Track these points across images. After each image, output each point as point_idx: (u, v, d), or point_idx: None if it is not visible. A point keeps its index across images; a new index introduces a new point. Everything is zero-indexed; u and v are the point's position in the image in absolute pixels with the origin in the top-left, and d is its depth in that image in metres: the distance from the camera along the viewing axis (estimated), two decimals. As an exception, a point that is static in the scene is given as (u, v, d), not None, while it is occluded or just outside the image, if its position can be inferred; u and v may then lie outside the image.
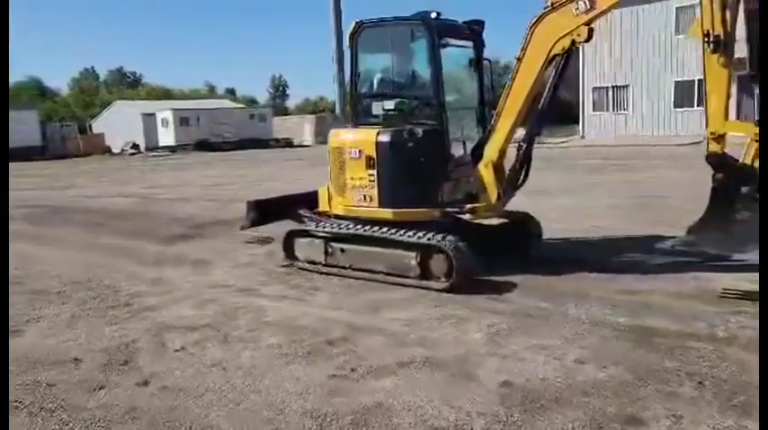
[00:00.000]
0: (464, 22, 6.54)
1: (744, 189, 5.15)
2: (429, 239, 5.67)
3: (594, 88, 28.21)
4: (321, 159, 8.44)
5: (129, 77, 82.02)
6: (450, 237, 5.64)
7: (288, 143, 42.73)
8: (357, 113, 6.49)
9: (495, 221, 6.73)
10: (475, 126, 6.72)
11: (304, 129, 46.04)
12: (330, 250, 6.34)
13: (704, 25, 5.13)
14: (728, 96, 5.19)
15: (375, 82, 6.44)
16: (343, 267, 6.24)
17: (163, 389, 3.85)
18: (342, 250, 6.26)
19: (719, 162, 5.31)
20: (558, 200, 10.71)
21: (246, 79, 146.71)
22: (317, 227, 6.49)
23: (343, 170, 6.25)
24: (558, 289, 5.56)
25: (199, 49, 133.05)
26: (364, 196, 6.14)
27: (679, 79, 25.08)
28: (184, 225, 9.94)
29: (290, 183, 14.05)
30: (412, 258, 5.76)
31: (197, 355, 4.38)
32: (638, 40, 26.20)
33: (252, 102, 69.99)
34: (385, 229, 5.94)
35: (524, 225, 6.74)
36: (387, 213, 6.05)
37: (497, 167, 6.07)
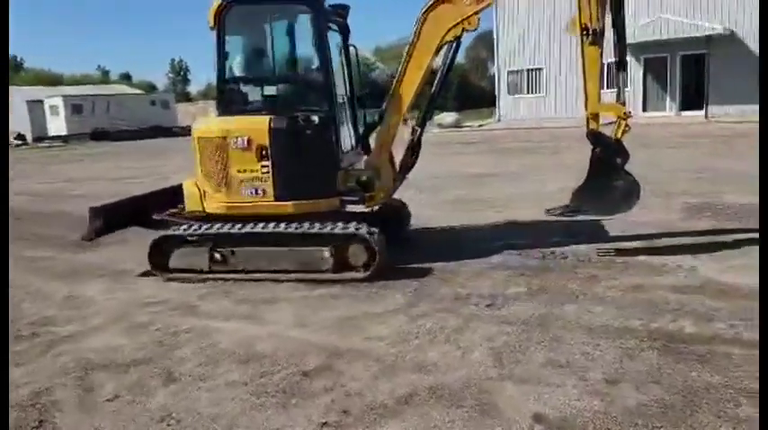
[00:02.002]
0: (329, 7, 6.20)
1: (618, 161, 5.66)
2: (345, 229, 5.43)
3: (510, 71, 28.38)
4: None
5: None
6: (363, 226, 5.47)
7: (194, 131, 40.45)
8: (225, 100, 5.90)
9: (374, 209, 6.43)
10: (347, 113, 6.44)
11: (210, 116, 43.80)
12: (218, 255, 5.59)
13: (582, 20, 5.48)
14: (601, 80, 5.65)
15: (249, 66, 6.00)
16: (236, 271, 5.59)
17: (100, 461, 2.91)
18: (233, 253, 5.59)
19: (596, 138, 5.74)
20: (507, 186, 10.35)
21: (142, 64, 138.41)
22: (191, 230, 5.68)
23: (225, 163, 5.66)
24: (536, 285, 5.04)
25: (88, 32, 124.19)
26: (256, 190, 5.62)
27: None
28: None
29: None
30: (325, 251, 5.40)
31: (138, 405, 3.43)
32: (553, 23, 26.52)
33: (151, 87, 65.94)
34: (283, 225, 5.50)
35: (398, 212, 6.78)
36: (285, 207, 5.62)
37: (389, 153, 6.13)
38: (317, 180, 5.67)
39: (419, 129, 6.19)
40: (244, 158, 5.61)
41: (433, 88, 6.14)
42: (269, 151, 5.55)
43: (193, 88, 76.48)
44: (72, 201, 11.72)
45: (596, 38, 5.49)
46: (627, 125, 5.64)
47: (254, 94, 6.05)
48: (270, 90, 5.95)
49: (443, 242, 6.71)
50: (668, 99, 24.27)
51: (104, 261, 6.72)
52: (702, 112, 22.91)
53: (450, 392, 3.37)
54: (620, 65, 5.77)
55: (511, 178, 11.31)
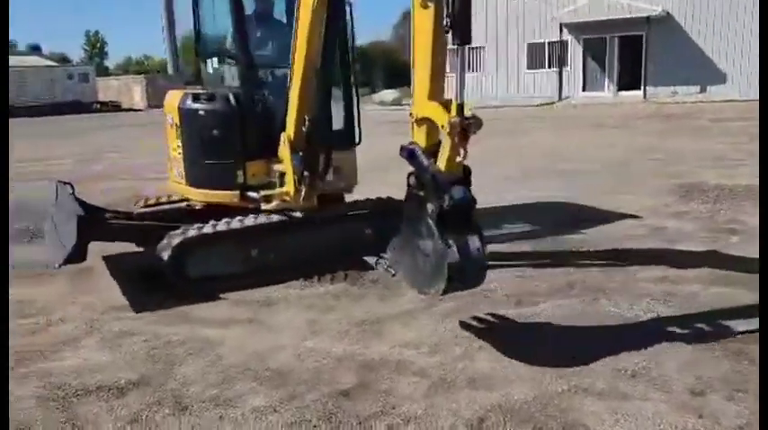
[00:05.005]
0: None
1: (429, 206, 3.33)
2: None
3: (449, 49, 28.01)
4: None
5: None
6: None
7: (116, 107, 38.15)
8: (197, 73, 5.70)
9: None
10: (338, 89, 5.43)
11: (133, 92, 41.46)
12: (252, 252, 4.76)
13: None
14: (442, 63, 3.47)
15: (214, 38, 5.58)
16: (265, 272, 4.74)
17: None
18: (268, 248, 4.79)
19: (412, 162, 3.54)
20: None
21: (53, 35, 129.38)
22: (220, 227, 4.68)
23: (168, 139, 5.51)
24: (558, 279, 4.64)
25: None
26: (178, 171, 5.34)
27: (531, 41, 25.71)
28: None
29: (150, 155, 11.33)
30: (364, 229, 5.08)
31: (148, 444, 2.78)
32: (497, 1, 26.33)
33: (64, 60, 61.57)
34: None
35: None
36: (193, 193, 5.29)
37: (298, 146, 4.67)
38: (215, 168, 5.09)
39: (308, 120, 4.59)
40: (171, 136, 5.35)
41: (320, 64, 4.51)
42: (180, 131, 5.18)
43: (111, 62, 72.44)
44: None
45: None
46: (462, 147, 3.23)
47: (209, 67, 5.61)
48: (214, 64, 5.56)
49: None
50: (606, 79, 24.67)
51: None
52: (640, 92, 23.43)
53: (526, 412, 2.91)
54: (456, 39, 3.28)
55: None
